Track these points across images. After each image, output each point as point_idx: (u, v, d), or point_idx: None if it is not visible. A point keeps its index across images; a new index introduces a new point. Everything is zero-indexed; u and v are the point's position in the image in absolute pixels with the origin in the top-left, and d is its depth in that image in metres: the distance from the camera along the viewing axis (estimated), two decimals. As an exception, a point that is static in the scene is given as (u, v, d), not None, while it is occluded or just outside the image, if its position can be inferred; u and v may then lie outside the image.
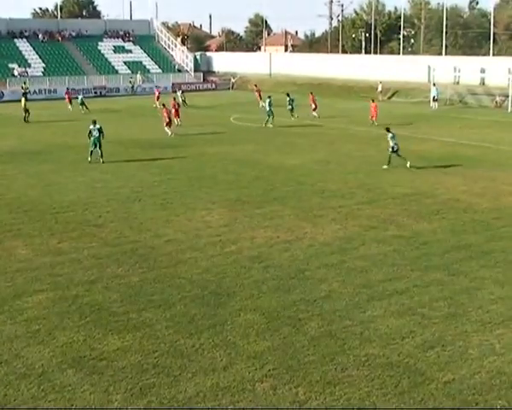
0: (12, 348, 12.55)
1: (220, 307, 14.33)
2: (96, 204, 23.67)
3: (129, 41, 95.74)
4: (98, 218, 21.86)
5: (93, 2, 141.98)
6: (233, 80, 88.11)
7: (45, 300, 14.82)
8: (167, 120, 40.98)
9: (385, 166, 29.30)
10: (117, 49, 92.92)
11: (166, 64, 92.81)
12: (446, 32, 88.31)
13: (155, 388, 11.10)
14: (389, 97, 68.03)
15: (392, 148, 29.26)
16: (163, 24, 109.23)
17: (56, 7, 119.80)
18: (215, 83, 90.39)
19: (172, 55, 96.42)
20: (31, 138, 41.05)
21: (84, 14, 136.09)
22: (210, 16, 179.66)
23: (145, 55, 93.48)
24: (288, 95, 49.52)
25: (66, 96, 62.03)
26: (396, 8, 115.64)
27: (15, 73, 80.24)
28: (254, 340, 12.75)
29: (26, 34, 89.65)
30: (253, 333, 13.04)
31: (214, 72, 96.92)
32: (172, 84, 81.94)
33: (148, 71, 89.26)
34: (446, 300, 14.63)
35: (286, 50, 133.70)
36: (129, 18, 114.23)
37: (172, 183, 27.32)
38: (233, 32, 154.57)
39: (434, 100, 58.86)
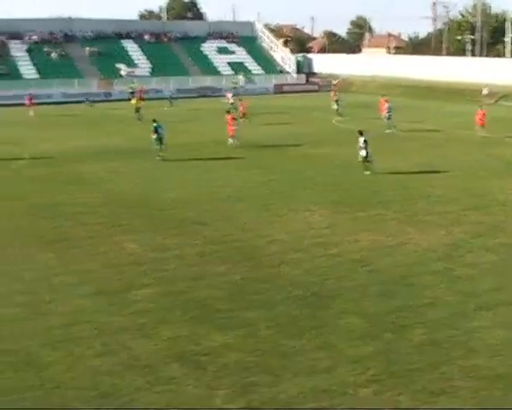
0: (120, 339, 12.92)
1: (322, 309, 14.28)
2: (199, 202, 24.06)
3: (232, 42, 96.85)
4: (201, 216, 22.21)
5: (197, 5, 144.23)
6: (334, 82, 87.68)
7: (152, 294, 15.19)
8: (233, 127, 37.79)
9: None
10: (220, 51, 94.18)
11: (268, 65, 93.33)
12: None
13: (257, 386, 11.17)
14: (496, 101, 66.03)
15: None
16: (266, 26, 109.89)
17: (162, 9, 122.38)
18: (318, 85, 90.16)
19: (274, 57, 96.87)
20: (135, 136, 42.08)
21: (188, 15, 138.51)
22: (312, 18, 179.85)
23: (248, 56, 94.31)
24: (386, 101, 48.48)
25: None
26: (503, 11, 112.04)
27: (122, 73, 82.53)
28: (356, 344, 12.63)
29: (133, 35, 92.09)
30: (355, 337, 12.92)
31: (316, 73, 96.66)
32: (274, 86, 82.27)
33: (251, 72, 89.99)
34: (558, 313, 14.08)
35: (388, 52, 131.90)
36: (232, 19, 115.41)
37: (274, 183, 27.43)
38: (335, 34, 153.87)
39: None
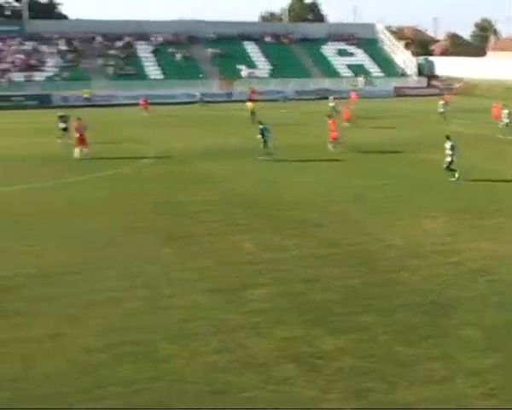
0: (236, 337, 13.09)
1: (441, 318, 13.95)
2: (317, 204, 24.06)
3: (352, 44, 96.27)
4: (319, 218, 22.20)
5: (317, 6, 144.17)
6: (457, 86, 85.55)
7: (268, 294, 15.31)
8: (335, 133, 36.60)
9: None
10: (340, 53, 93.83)
11: (389, 68, 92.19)
12: None
13: (371, 392, 11.04)
14: None
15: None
16: (387, 28, 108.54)
17: (283, 10, 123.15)
18: (439, 88, 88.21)
19: (395, 60, 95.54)
20: (251, 137, 42.50)
21: (309, 17, 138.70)
22: (435, 20, 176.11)
23: (368, 58, 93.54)
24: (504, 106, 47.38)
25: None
26: None
27: (243, 74, 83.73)
28: (475, 356, 12.25)
29: (254, 37, 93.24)
30: (473, 348, 12.54)
31: (437, 76, 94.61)
32: (394, 89, 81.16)
33: (371, 74, 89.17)
34: None
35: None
36: (352, 21, 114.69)
37: (388, 188, 27.03)
38: (458, 37, 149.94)
39: None
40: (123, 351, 12.49)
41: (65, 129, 40.12)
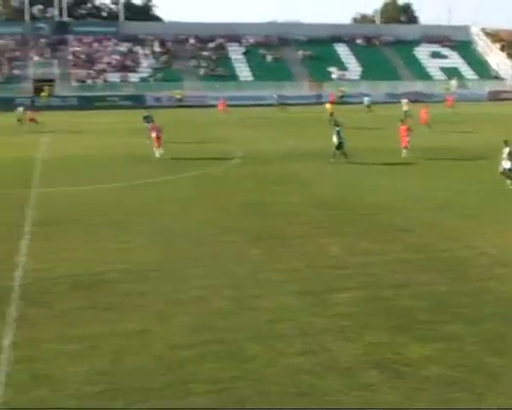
0: (321, 340, 13.07)
1: (532, 329, 13.56)
2: (403, 208, 23.78)
3: (446, 46, 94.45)
4: (406, 222, 21.93)
5: (411, 7, 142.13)
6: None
7: (354, 298, 15.21)
8: (407, 138, 35.22)
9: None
10: (433, 55, 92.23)
11: (483, 71, 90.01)
12: None
13: (458, 402, 10.82)
14: None
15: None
16: (482, 29, 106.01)
17: (376, 12, 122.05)
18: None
19: (489, 62, 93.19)
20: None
21: (401, 19, 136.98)
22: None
23: (462, 60, 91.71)
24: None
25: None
26: None
27: (333, 76, 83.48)
28: None
29: (346, 39, 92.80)
30: None
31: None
32: (488, 93, 79.18)
33: (464, 77, 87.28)
34: None
35: None
36: (447, 23, 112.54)
37: (481, 193, 26.42)
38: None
39: None
40: (208, 349, 12.64)
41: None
